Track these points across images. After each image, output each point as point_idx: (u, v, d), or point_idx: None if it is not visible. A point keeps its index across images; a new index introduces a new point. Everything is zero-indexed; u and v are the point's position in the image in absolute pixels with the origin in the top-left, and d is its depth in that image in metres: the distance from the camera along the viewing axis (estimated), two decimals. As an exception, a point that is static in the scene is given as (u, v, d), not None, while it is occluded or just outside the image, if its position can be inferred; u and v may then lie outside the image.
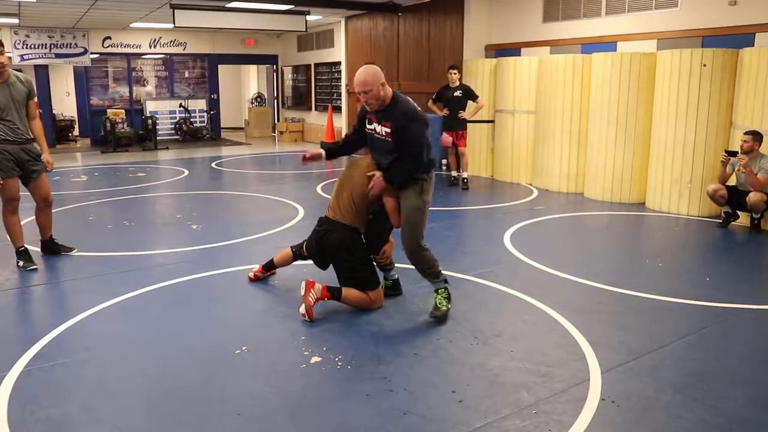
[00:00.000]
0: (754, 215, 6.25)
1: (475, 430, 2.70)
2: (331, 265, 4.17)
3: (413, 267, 4.01)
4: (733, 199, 6.31)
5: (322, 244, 4.06)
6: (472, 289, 4.49)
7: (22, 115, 4.88)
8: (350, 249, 4.01)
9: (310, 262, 4.34)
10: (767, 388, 3.10)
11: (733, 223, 6.48)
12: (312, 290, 3.85)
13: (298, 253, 4.50)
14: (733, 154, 6.22)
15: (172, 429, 2.72)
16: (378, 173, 3.81)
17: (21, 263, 4.97)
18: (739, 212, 6.43)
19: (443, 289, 3.95)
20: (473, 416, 2.81)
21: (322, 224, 4.12)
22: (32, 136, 5.00)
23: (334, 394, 3.05)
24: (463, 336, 3.70)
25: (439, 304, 3.90)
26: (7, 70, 4.77)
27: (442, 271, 4.00)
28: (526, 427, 2.73)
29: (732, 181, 6.39)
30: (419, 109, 3.87)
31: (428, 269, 3.93)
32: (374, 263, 4.18)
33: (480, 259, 5.27)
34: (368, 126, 3.94)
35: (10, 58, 13.11)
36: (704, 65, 6.73)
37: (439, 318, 3.85)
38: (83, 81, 15.54)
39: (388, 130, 3.78)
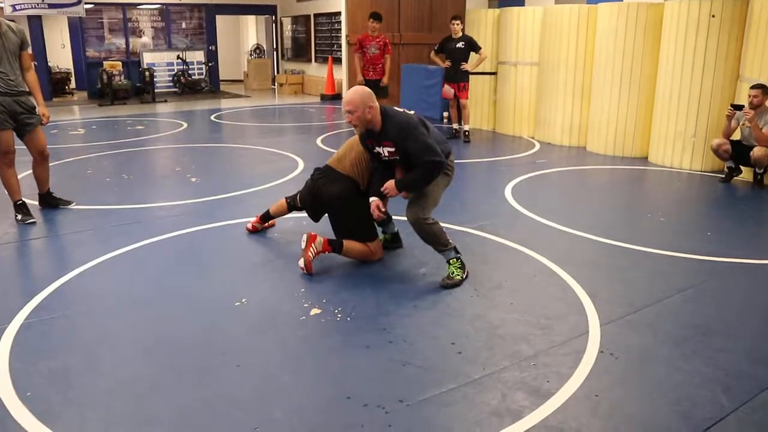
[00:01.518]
0: (757, 170, 6.19)
1: (474, 381, 2.71)
2: (324, 217, 4.14)
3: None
4: (737, 153, 6.24)
5: (320, 195, 4.02)
6: (472, 242, 4.48)
7: (14, 67, 4.77)
8: (350, 200, 3.97)
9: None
10: (764, 341, 3.11)
11: (736, 178, 6.43)
12: (313, 244, 3.83)
13: (292, 204, 4.47)
14: (739, 108, 6.12)
15: (172, 379, 2.74)
16: (389, 183, 3.71)
17: (19, 217, 4.94)
18: (742, 167, 6.37)
19: (455, 259, 3.80)
20: (472, 368, 2.83)
21: (321, 174, 4.07)
22: (26, 88, 4.89)
23: (333, 346, 3.06)
24: (463, 288, 3.70)
25: (453, 274, 3.76)
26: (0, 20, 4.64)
27: (451, 242, 3.83)
28: (524, 378, 2.74)
29: (736, 136, 6.31)
30: (411, 113, 3.77)
31: (434, 242, 3.79)
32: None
33: (480, 212, 5.24)
34: (372, 150, 3.86)
35: (1, 8, 12.86)
36: (713, 16, 6.56)
37: (450, 285, 3.72)
38: (78, 32, 15.24)
39: (392, 150, 3.71)
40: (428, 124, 3.79)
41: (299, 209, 4.43)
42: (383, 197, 3.87)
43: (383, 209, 3.85)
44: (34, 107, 4.96)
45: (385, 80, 8.59)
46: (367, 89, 3.68)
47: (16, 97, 4.79)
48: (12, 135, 4.87)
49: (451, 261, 3.81)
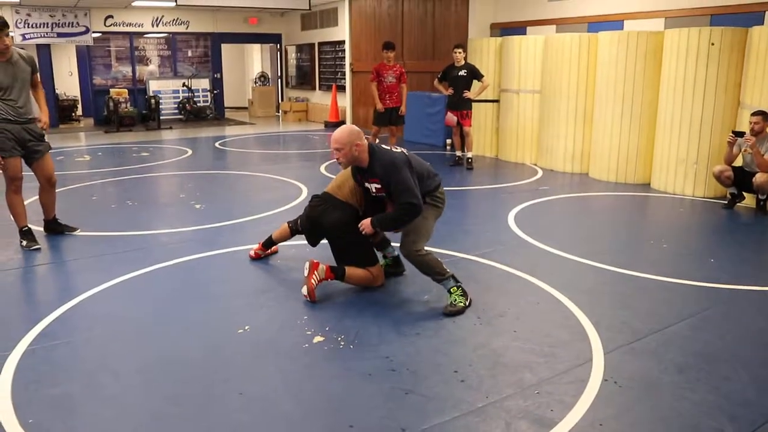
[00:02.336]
0: (760, 196, 6.20)
1: (477, 410, 2.70)
2: (322, 243, 4.16)
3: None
4: (740, 180, 6.26)
5: (319, 222, 4.06)
6: (475, 269, 4.48)
7: (25, 94, 4.84)
8: (350, 227, 3.98)
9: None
10: (771, 369, 3.09)
11: (738, 204, 6.43)
12: (316, 272, 3.84)
13: (294, 228, 4.51)
14: (740, 134, 6.15)
15: (174, 407, 2.73)
16: (365, 221, 3.81)
17: (24, 243, 4.97)
18: (745, 193, 6.38)
19: (455, 287, 3.80)
20: (475, 396, 2.81)
21: (320, 201, 4.11)
22: (35, 116, 4.96)
23: (336, 374, 3.05)
24: (466, 316, 3.69)
25: (455, 301, 3.76)
26: (11, 50, 4.72)
27: (448, 270, 3.84)
28: (528, 407, 2.72)
29: (738, 162, 6.33)
30: (398, 152, 3.85)
31: (430, 273, 3.82)
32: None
33: (483, 239, 5.25)
34: (362, 185, 3.98)
35: (12, 37, 13.09)
36: (712, 44, 6.63)
37: (454, 313, 3.72)
38: (86, 60, 15.46)
39: (379, 186, 3.82)
40: (414, 164, 3.82)
41: (301, 233, 4.45)
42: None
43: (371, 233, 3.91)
44: (43, 134, 5.03)
45: (402, 109, 8.72)
46: (355, 128, 3.77)
47: (25, 125, 4.86)
48: (20, 162, 4.92)
49: (451, 290, 3.80)
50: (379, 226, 3.83)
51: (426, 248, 3.82)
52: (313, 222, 4.11)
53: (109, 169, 8.79)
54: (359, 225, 3.84)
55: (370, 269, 4.04)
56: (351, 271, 3.98)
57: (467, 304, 3.79)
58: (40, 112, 5.02)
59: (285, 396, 2.83)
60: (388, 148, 3.89)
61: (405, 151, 3.91)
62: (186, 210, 6.36)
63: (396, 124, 8.86)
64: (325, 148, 10.94)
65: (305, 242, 4.30)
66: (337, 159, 3.75)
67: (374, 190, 3.87)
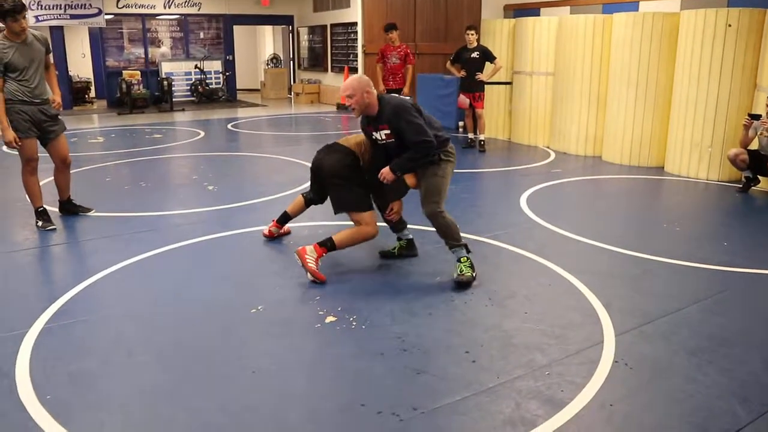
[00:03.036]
0: (775, 180, 6.14)
1: (488, 390, 2.72)
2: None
3: (431, 229, 4.00)
4: (755, 163, 6.19)
5: (320, 166, 4.15)
6: (487, 251, 4.48)
7: (40, 75, 4.87)
8: (347, 168, 4.06)
9: (327, 223, 4.35)
10: (783, 353, 3.08)
11: (753, 187, 6.37)
12: (306, 255, 3.87)
13: (309, 198, 4.54)
14: (756, 117, 6.07)
15: (188, 385, 2.77)
16: (385, 169, 3.87)
17: (40, 223, 5.02)
18: (760, 177, 6.32)
19: (465, 258, 3.89)
20: (486, 376, 2.83)
21: (324, 148, 4.24)
22: (49, 97, 4.99)
23: (348, 353, 3.07)
24: (478, 297, 3.70)
25: (464, 272, 3.84)
26: (26, 31, 4.74)
27: (463, 239, 3.95)
28: (538, 387, 2.74)
29: (754, 145, 6.26)
30: (406, 98, 3.99)
31: (449, 236, 3.91)
32: (386, 223, 4.26)
33: (495, 221, 5.24)
34: (371, 137, 4.03)
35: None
36: (729, 25, 6.53)
37: (463, 283, 3.81)
38: (98, 42, 15.46)
39: (388, 132, 3.86)
40: (422, 110, 3.94)
41: (316, 202, 4.52)
42: (389, 194, 4.04)
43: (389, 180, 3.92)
44: (57, 115, 5.05)
45: (405, 90, 8.65)
46: (364, 76, 3.89)
47: (40, 105, 4.89)
48: (36, 143, 4.96)
49: (461, 259, 3.89)
50: (399, 170, 3.86)
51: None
52: (315, 169, 4.21)
53: (122, 151, 8.83)
54: (379, 174, 3.88)
55: (362, 215, 4.02)
56: (339, 236, 3.99)
57: (473, 276, 3.85)
58: (53, 92, 5.04)
59: (297, 375, 2.86)
60: (397, 96, 3.99)
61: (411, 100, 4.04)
62: (199, 191, 6.39)
63: None
64: (338, 130, 10.93)
65: (318, 223, 4.32)
66: (350, 106, 3.83)
67: (383, 137, 3.89)
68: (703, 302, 3.64)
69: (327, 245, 3.95)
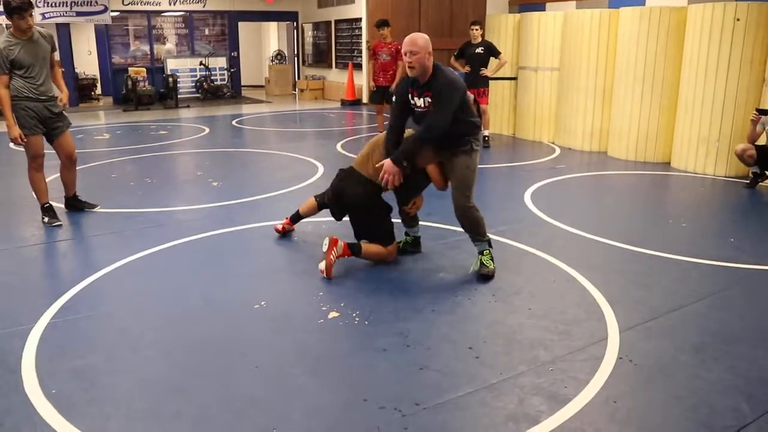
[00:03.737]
0: (782, 175, 6.11)
1: (491, 386, 2.72)
2: (345, 220, 4.19)
3: (433, 224, 4.00)
4: (762, 159, 6.15)
5: (342, 195, 4.08)
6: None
7: (45, 73, 4.89)
8: (372, 205, 4.03)
9: (331, 219, 4.35)
10: (789, 349, 3.07)
11: (761, 183, 6.34)
12: (334, 248, 3.87)
13: (322, 202, 4.53)
14: (764, 112, 6.04)
15: (192, 380, 2.78)
16: (386, 161, 3.79)
17: (46, 219, 5.05)
18: (767, 173, 6.28)
19: (487, 251, 3.97)
20: (489, 372, 2.83)
21: (346, 175, 4.11)
22: (55, 94, 5.01)
23: (351, 349, 3.08)
24: (482, 293, 3.70)
25: (486, 264, 3.93)
26: (33, 29, 4.77)
27: (488, 233, 4.00)
28: (541, 384, 2.73)
29: (761, 141, 6.23)
30: (461, 79, 3.89)
31: (476, 230, 3.94)
32: (400, 216, 4.24)
33: (500, 217, 5.23)
34: (412, 102, 3.89)
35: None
36: (737, 19, 6.49)
37: (488, 274, 3.89)
38: (104, 39, 15.51)
39: (430, 100, 3.76)
40: (468, 98, 3.87)
41: (328, 207, 4.48)
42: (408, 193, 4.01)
43: (400, 180, 3.84)
44: (62, 112, 5.08)
45: (393, 88, 8.64)
46: (427, 37, 3.75)
47: (46, 102, 4.91)
48: (42, 140, 4.98)
49: (484, 252, 3.95)
50: (404, 159, 3.76)
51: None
52: (337, 195, 4.14)
53: (127, 147, 8.86)
54: (381, 172, 3.79)
55: (387, 247, 4.07)
56: (367, 247, 4.03)
57: (495, 267, 3.93)
58: (60, 91, 5.07)
59: (300, 370, 2.87)
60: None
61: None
62: (203, 187, 6.41)
63: (389, 103, 8.80)
64: (342, 126, 10.92)
65: (322, 219, 4.32)
66: (409, 63, 3.68)
67: (424, 106, 3.79)
68: (709, 299, 3.63)
69: (354, 250, 3.98)
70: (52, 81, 5.01)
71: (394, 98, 4.02)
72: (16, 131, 4.77)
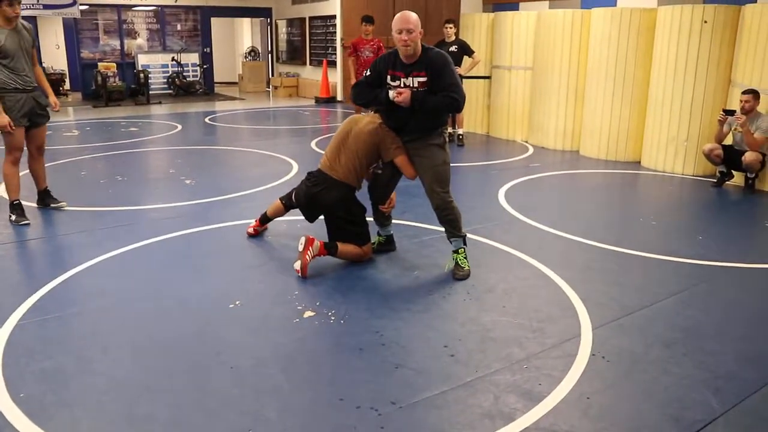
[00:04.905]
0: (749, 175, 6.25)
1: (466, 384, 2.73)
2: (319, 219, 4.18)
3: (407, 222, 4.00)
4: (729, 158, 6.29)
5: (316, 200, 4.04)
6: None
7: (29, 64, 4.88)
8: (347, 207, 4.03)
9: (302, 219, 4.32)
10: (753, 344, 3.15)
11: (727, 182, 6.47)
12: (310, 248, 3.85)
13: (288, 204, 4.49)
14: (731, 113, 6.17)
15: (165, 381, 2.74)
16: (406, 91, 3.67)
17: (13, 217, 4.94)
18: (734, 172, 6.42)
19: (462, 249, 3.97)
20: (464, 370, 2.84)
21: (317, 180, 4.06)
22: (37, 84, 4.97)
23: (326, 348, 3.07)
24: (456, 291, 3.71)
25: (461, 264, 3.93)
26: (19, 19, 4.73)
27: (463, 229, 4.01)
28: (516, 381, 2.76)
29: (728, 141, 6.36)
30: None
31: (454, 225, 3.93)
32: (373, 215, 4.24)
33: (474, 215, 5.26)
34: (391, 83, 3.80)
35: None
36: (705, 22, 6.62)
37: (463, 277, 3.88)
38: (73, 33, 15.20)
39: (423, 80, 3.70)
40: None
41: (295, 208, 4.44)
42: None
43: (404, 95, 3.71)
44: (47, 104, 5.02)
45: None
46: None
47: (32, 93, 4.88)
48: (23, 132, 4.91)
49: (459, 251, 3.94)
50: (418, 103, 3.69)
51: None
52: (311, 200, 4.08)
53: (98, 144, 8.70)
54: (396, 94, 3.68)
55: (362, 247, 4.07)
56: (343, 247, 4.02)
57: (469, 267, 3.93)
58: (47, 94, 5.06)
59: (276, 370, 2.85)
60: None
61: None
62: (176, 185, 6.32)
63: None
64: (316, 124, 10.87)
65: (296, 218, 4.30)
66: (406, 42, 3.61)
67: (416, 85, 3.72)
68: (679, 295, 3.70)
69: (330, 250, 3.96)
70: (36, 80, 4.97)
71: (367, 72, 3.93)
72: (5, 119, 4.70)
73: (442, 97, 3.69)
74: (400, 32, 3.62)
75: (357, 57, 8.55)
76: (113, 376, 2.78)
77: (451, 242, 4.00)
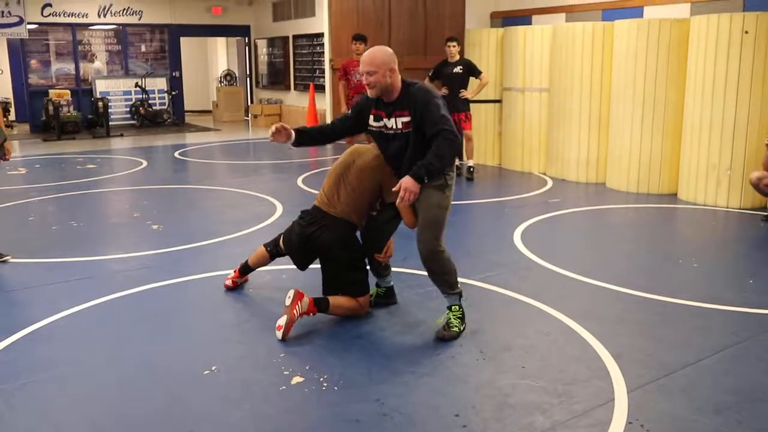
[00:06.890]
0: (803, 207, 6.28)
1: (483, 460, 2.71)
2: (308, 269, 4.19)
3: (409, 270, 4.01)
4: (780, 188, 6.34)
5: (311, 241, 4.04)
6: (477, 296, 4.50)
7: None
8: (347, 248, 4.03)
9: (291, 267, 4.34)
10: (819, 407, 3.13)
11: (779, 216, 6.52)
12: (299, 303, 3.83)
13: (274, 252, 4.49)
14: (779, 136, 6.24)
15: (129, 464, 2.72)
16: (404, 179, 3.66)
17: (-50, 272, 4.95)
18: (786, 203, 6.47)
19: (457, 307, 3.88)
20: (480, 444, 2.83)
21: (313, 218, 4.07)
22: None
23: (319, 420, 3.06)
24: (468, 350, 3.71)
25: (452, 325, 3.84)
26: None
27: (459, 283, 3.93)
28: (541, 455, 2.74)
29: (778, 168, 6.42)
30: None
31: (445, 276, 3.85)
32: (369, 265, 4.22)
33: (486, 261, 5.28)
34: (374, 123, 3.91)
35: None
36: (746, 32, 6.73)
37: (449, 338, 3.80)
38: (19, 56, 15.41)
39: (406, 120, 3.77)
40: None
41: (283, 255, 4.45)
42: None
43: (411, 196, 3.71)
44: None
45: None
46: (388, 49, 3.81)
47: None
48: None
49: (453, 308, 3.88)
50: (426, 174, 3.64)
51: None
52: (306, 242, 4.07)
53: (49, 184, 8.76)
54: (401, 192, 3.64)
55: (359, 299, 4.06)
56: (336, 300, 4.01)
57: (462, 330, 3.86)
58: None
59: (259, 448, 2.83)
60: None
61: None
62: (141, 231, 6.35)
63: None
64: (303, 158, 10.97)
65: (282, 267, 4.31)
66: (368, 84, 3.72)
67: (400, 126, 3.78)
68: (729, 350, 3.69)
69: (321, 306, 3.95)
70: None
71: (349, 110, 4.04)
72: None
73: (438, 146, 3.64)
74: (362, 74, 3.78)
75: (347, 81, 8.65)
76: (68, 459, 2.75)
77: (444, 296, 3.93)
